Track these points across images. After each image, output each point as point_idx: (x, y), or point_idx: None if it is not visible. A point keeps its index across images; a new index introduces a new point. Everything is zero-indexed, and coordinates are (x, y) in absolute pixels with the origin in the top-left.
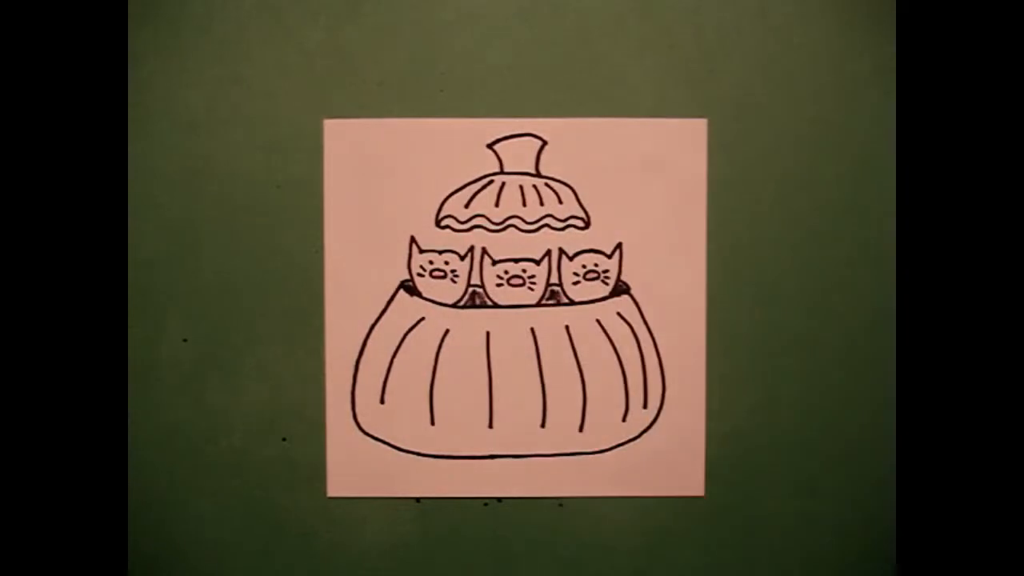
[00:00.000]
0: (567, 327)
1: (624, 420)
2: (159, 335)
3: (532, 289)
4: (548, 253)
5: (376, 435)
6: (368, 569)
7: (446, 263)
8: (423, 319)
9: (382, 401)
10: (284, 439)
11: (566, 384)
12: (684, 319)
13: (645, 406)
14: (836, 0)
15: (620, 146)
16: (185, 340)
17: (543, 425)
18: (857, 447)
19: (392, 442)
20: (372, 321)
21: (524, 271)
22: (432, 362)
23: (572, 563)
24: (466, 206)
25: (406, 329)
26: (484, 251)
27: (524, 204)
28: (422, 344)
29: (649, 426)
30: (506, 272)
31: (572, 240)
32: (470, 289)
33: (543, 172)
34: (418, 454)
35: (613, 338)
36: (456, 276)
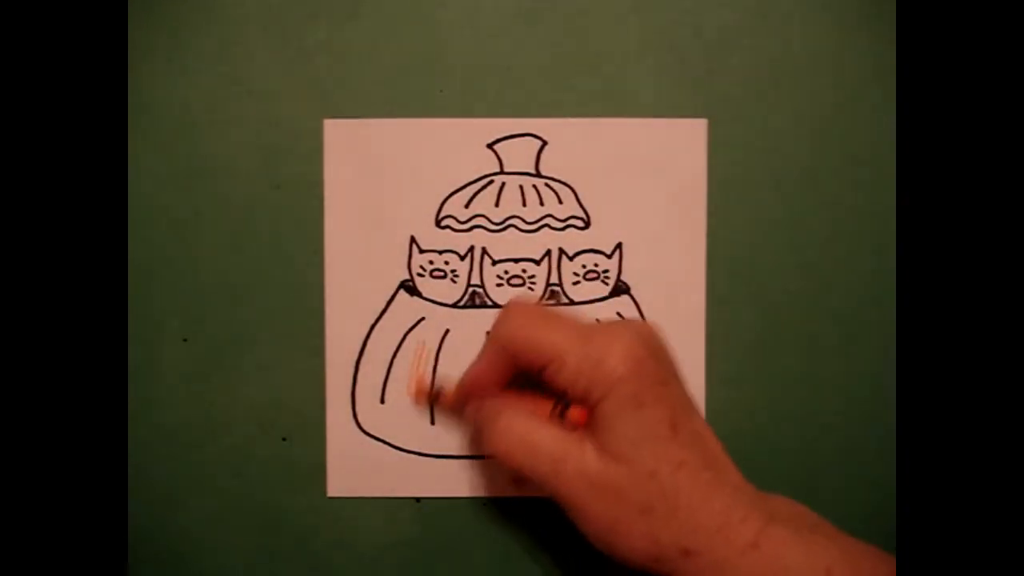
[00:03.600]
0: None
1: None
2: (159, 335)
3: (532, 289)
4: (548, 253)
5: (376, 435)
6: (368, 569)
7: (446, 263)
8: (423, 319)
9: (382, 401)
10: (284, 439)
11: None
12: (684, 319)
13: None
14: (836, 0)
15: (620, 146)
16: (185, 340)
17: None
18: (857, 447)
19: (392, 442)
20: (372, 321)
21: (524, 271)
22: (432, 362)
23: (572, 563)
24: (466, 206)
25: (406, 329)
26: (484, 251)
27: (524, 204)
28: (422, 344)
29: None
30: (506, 272)
31: (572, 240)
32: (470, 289)
33: (543, 172)
34: (418, 454)
35: None
36: (456, 276)
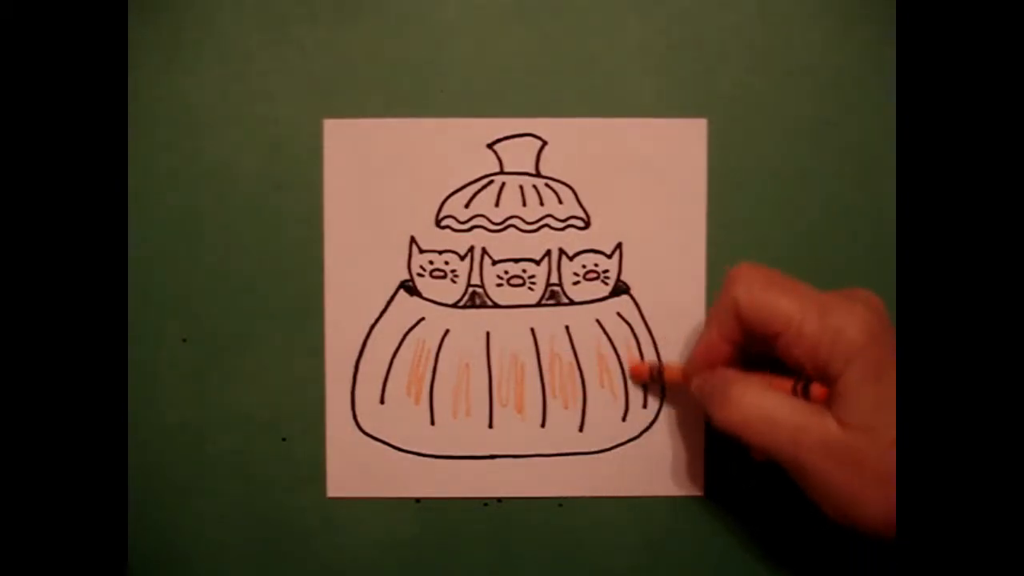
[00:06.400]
0: (567, 327)
1: (624, 420)
2: (159, 335)
3: (532, 289)
4: (548, 253)
5: (376, 435)
6: (368, 569)
7: (446, 263)
8: (423, 319)
9: (382, 401)
10: (284, 439)
11: (566, 384)
12: (684, 319)
13: (645, 406)
14: (836, 0)
15: (620, 146)
16: (185, 340)
17: (543, 425)
18: None
19: (392, 442)
20: (372, 321)
21: (524, 271)
22: (432, 362)
23: (572, 563)
24: (466, 206)
25: (406, 329)
26: (484, 251)
27: (524, 204)
28: (422, 344)
29: (649, 426)
30: (506, 272)
31: (572, 240)
32: (470, 289)
33: (543, 172)
34: (418, 454)
35: (613, 338)
36: (456, 276)
